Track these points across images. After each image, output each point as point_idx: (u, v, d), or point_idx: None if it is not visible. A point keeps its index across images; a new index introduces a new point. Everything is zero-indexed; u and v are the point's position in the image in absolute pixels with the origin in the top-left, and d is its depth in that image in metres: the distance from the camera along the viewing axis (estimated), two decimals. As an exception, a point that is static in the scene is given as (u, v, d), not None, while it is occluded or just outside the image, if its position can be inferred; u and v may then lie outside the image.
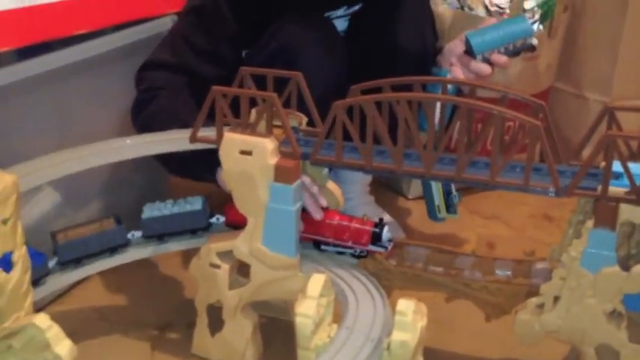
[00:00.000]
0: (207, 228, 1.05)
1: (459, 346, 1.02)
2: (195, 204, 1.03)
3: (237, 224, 1.03)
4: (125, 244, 1.01)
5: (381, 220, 0.97)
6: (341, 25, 1.21)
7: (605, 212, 0.78)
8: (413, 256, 0.94)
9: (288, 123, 0.90)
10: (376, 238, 0.94)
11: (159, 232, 1.03)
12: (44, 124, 1.10)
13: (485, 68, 1.08)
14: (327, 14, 1.19)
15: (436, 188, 1.17)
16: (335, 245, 0.97)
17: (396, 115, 0.85)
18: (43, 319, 0.60)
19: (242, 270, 0.97)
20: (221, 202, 1.05)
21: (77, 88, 1.14)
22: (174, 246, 1.04)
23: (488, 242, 1.32)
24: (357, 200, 1.34)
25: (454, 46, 1.12)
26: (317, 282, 0.74)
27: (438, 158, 0.85)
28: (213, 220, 1.06)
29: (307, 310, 0.72)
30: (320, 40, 1.11)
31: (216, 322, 0.99)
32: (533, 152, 0.80)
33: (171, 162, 1.09)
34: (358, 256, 0.96)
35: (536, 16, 1.48)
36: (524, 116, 0.79)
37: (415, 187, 1.48)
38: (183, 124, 1.00)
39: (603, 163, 0.78)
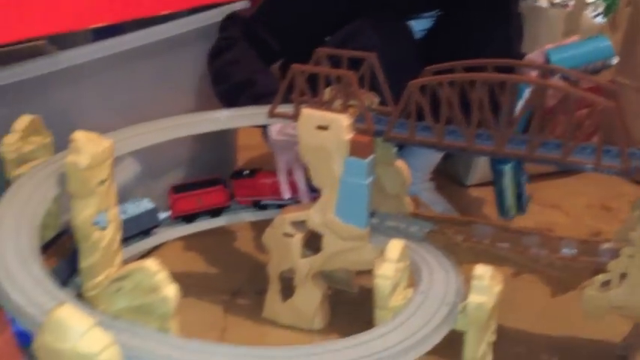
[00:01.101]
0: (158, 225, 1.10)
1: (521, 324, 1.05)
2: (146, 203, 1.07)
3: (186, 214, 1.11)
4: None
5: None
6: (426, 23, 1.24)
7: (674, 192, 0.80)
8: (480, 233, 0.97)
9: (363, 100, 0.94)
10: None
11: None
12: (116, 104, 1.14)
13: (564, 87, 1.08)
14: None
15: (509, 190, 1.18)
16: (274, 201, 1.11)
17: (467, 95, 0.89)
18: (152, 264, 0.66)
19: (308, 243, 1.02)
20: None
21: (149, 69, 1.18)
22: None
23: (547, 229, 1.33)
24: (419, 186, 1.38)
25: (535, 58, 1.13)
26: (396, 246, 0.78)
27: (509, 137, 0.88)
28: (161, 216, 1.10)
29: (386, 272, 0.77)
30: (394, 44, 1.13)
31: (285, 290, 1.04)
32: (604, 133, 0.82)
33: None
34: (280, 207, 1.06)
35: (600, 9, 1.49)
36: (598, 97, 0.82)
37: (473, 174, 1.51)
38: (249, 78, 1.11)
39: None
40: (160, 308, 0.67)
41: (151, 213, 1.07)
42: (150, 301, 0.67)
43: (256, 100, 1.07)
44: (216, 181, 1.14)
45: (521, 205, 1.16)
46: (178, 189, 1.12)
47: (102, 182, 0.88)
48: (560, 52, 1.07)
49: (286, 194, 1.11)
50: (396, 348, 0.70)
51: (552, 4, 1.46)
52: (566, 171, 1.53)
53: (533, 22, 1.43)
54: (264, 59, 1.19)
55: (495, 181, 1.19)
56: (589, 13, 1.47)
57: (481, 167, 1.47)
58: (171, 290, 0.66)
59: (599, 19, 1.49)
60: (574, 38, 1.13)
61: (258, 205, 1.15)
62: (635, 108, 1.59)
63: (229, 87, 1.14)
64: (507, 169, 1.12)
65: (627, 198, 1.40)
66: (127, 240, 1.03)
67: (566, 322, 1.04)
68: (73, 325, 0.59)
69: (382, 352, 0.69)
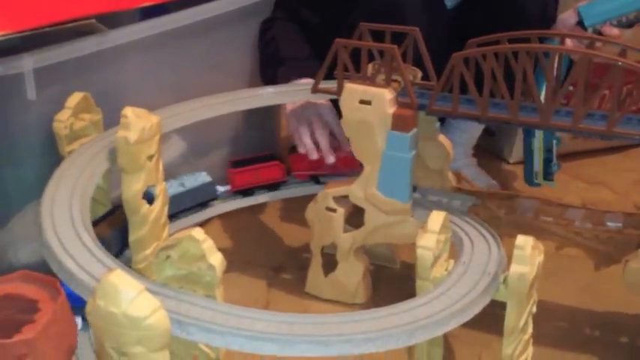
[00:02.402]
0: (216, 198, 1.12)
1: (563, 298, 1.05)
2: (203, 177, 1.09)
3: (245, 188, 1.13)
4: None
5: None
6: None
7: None
8: (523, 207, 0.97)
9: (407, 73, 0.94)
10: None
11: (174, 211, 1.05)
12: (162, 82, 1.15)
13: (611, 57, 1.06)
14: None
15: (537, 155, 1.18)
16: (333, 176, 1.10)
17: (511, 68, 0.88)
18: (199, 233, 0.68)
19: (349, 220, 1.03)
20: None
21: (194, 48, 1.19)
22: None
23: (593, 205, 1.32)
24: (461, 162, 1.37)
25: (567, 17, 1.12)
26: (437, 218, 0.79)
27: (554, 109, 0.87)
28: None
29: (428, 243, 0.77)
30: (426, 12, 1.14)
31: (328, 265, 1.05)
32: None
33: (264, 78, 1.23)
34: None
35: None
36: (646, 67, 0.80)
37: (517, 152, 1.49)
38: (276, 47, 1.17)
39: None
40: (205, 276, 0.69)
41: (209, 186, 1.09)
42: (196, 269, 0.69)
43: (278, 64, 1.12)
44: (271, 157, 1.16)
45: (548, 172, 1.15)
46: (237, 164, 1.15)
47: (150, 157, 0.90)
48: (591, 6, 1.05)
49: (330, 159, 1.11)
50: (436, 316, 0.70)
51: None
52: (611, 148, 1.50)
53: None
54: (306, 36, 1.20)
55: (525, 143, 1.17)
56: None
57: (525, 144, 1.45)
58: (216, 258, 0.68)
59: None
60: None
61: (316, 180, 1.17)
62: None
63: (261, 60, 1.20)
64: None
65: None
66: (185, 212, 1.07)
67: (610, 297, 1.03)
68: (123, 290, 0.61)
69: (423, 319, 0.69)
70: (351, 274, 1.04)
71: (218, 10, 1.19)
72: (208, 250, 0.67)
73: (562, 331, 1.00)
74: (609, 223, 0.92)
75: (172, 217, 1.04)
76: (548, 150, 1.16)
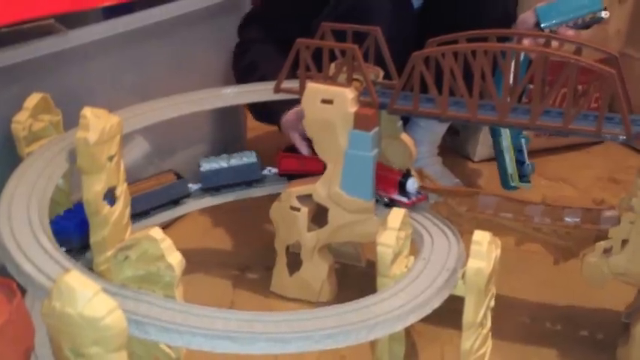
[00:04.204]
0: (261, 180, 1.11)
1: (524, 293, 1.07)
2: (250, 157, 1.10)
3: (290, 173, 1.10)
4: (187, 196, 1.09)
5: (408, 170, 1.02)
6: None
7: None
8: (483, 204, 0.98)
9: (367, 73, 0.95)
10: (402, 188, 0.99)
11: (217, 184, 1.09)
12: (125, 82, 1.15)
13: (552, 43, 1.08)
14: None
15: (509, 157, 1.19)
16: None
17: (471, 67, 0.89)
18: (157, 232, 0.67)
19: (314, 219, 1.03)
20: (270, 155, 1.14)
21: (158, 48, 1.19)
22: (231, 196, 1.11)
23: (555, 201, 1.34)
24: (426, 160, 1.38)
25: (527, 17, 1.14)
26: (397, 215, 0.79)
27: (512, 107, 0.88)
28: (265, 172, 1.13)
29: (388, 240, 0.78)
30: (395, 14, 1.15)
31: (292, 265, 1.05)
32: (606, 100, 0.83)
33: (254, 110, 1.23)
34: (386, 205, 0.99)
35: (608, -19, 1.47)
36: (599, 65, 0.82)
37: (481, 150, 1.51)
38: (262, 76, 1.12)
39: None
40: (165, 276, 0.69)
41: (252, 166, 1.10)
42: (155, 269, 0.68)
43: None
44: None
45: (523, 173, 1.16)
46: (289, 149, 1.13)
47: (111, 158, 0.90)
48: (548, 9, 1.07)
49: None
50: (396, 312, 0.71)
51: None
52: (573, 145, 1.53)
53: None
54: (283, 49, 1.21)
55: (494, 144, 1.19)
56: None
57: (488, 143, 1.47)
58: (175, 258, 0.68)
59: (608, -9, 1.47)
60: None
61: None
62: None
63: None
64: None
65: (635, 170, 1.40)
66: (226, 187, 1.09)
67: (570, 291, 1.05)
68: (79, 291, 0.60)
69: (382, 315, 0.70)
70: (316, 272, 1.04)
71: (183, 9, 1.18)
72: (167, 249, 0.67)
73: (522, 326, 1.01)
74: (567, 219, 0.94)
75: (215, 189, 1.10)
76: (519, 150, 1.18)
